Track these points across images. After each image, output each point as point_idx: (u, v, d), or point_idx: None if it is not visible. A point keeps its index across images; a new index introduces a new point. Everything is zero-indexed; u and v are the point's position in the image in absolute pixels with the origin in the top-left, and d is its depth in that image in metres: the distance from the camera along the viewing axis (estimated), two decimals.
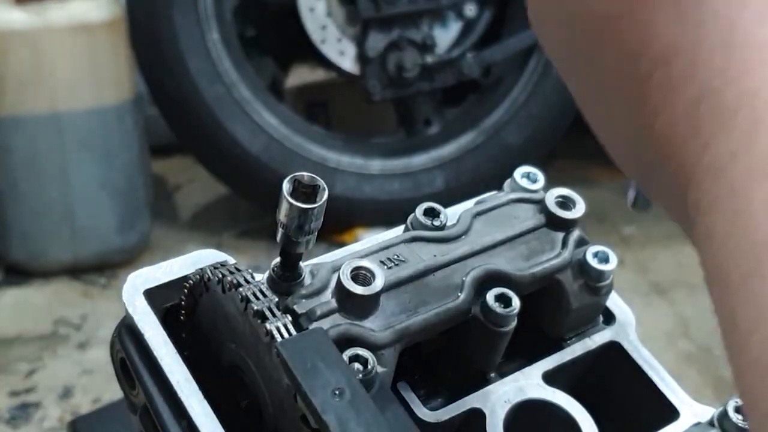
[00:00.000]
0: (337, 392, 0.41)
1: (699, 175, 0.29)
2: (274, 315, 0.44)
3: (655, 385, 0.54)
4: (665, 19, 0.31)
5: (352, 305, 0.47)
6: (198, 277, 0.48)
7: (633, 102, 0.33)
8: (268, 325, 0.44)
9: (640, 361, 0.55)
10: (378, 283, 0.47)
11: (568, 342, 0.55)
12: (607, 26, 0.33)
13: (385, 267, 0.50)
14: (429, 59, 2.22)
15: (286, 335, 0.44)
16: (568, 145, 2.26)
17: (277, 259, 0.48)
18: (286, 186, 0.44)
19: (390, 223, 0.59)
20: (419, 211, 0.54)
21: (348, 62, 2.23)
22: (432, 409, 0.51)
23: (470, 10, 2.29)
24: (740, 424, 0.50)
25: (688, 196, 0.30)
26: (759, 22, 0.29)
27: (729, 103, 0.29)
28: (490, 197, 0.57)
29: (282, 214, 0.45)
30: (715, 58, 0.29)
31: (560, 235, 0.54)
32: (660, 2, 0.31)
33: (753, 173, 0.27)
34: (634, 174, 0.36)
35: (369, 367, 0.45)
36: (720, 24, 0.30)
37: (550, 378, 0.53)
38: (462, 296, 0.50)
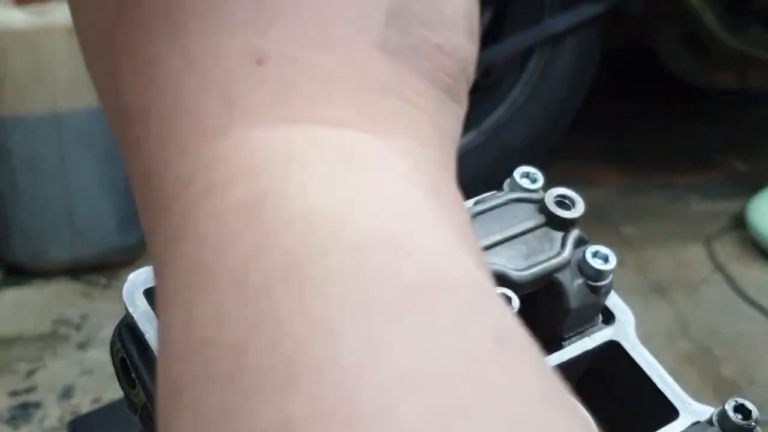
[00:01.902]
0: None
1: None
2: None
3: (654, 385, 0.54)
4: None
5: None
6: None
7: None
8: None
9: (639, 361, 0.55)
10: None
11: (568, 341, 0.55)
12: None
13: None
14: None
15: None
16: (568, 145, 2.26)
17: None
18: None
19: None
20: None
21: None
22: None
23: None
24: (740, 423, 0.50)
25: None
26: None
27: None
28: (490, 197, 0.57)
29: None
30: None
31: (559, 235, 0.54)
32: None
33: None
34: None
35: None
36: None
37: None
38: None
